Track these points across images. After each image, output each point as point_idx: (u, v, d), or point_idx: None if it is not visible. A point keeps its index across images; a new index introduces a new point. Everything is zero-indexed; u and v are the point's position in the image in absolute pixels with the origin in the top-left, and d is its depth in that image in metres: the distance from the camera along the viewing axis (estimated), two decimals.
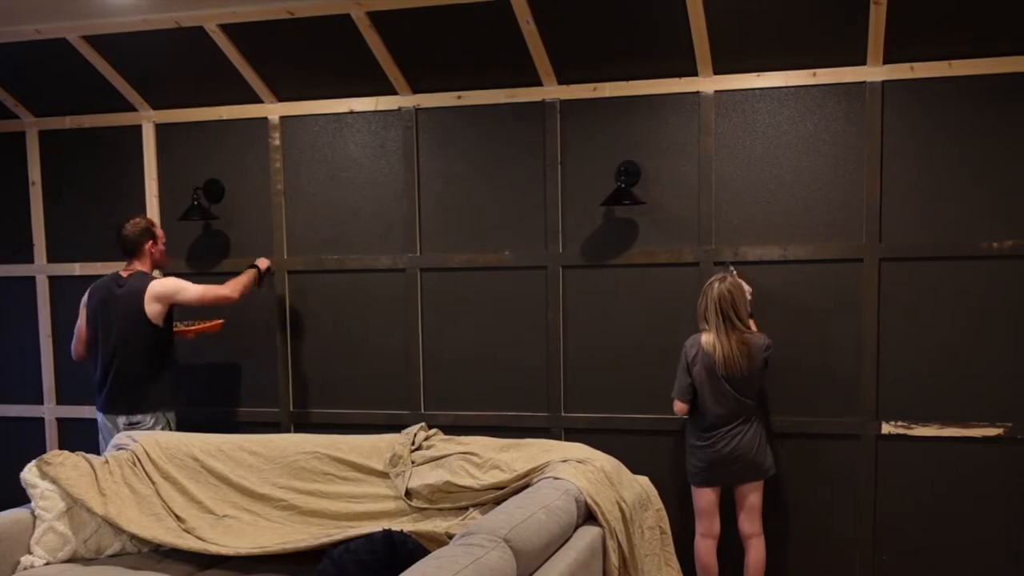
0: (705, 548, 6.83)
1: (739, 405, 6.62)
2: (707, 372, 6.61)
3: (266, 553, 5.68)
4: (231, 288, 7.40)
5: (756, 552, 6.85)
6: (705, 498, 6.78)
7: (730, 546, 7.02)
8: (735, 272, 6.90)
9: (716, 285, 6.63)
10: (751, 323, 6.81)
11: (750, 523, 6.84)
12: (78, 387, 8.56)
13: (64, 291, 8.59)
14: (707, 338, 6.63)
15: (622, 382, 7.39)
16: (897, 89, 6.90)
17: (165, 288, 7.21)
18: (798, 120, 7.05)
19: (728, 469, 6.69)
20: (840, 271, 7.05)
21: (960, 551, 7.02)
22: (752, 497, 6.81)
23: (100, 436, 7.46)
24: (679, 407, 6.78)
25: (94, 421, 7.62)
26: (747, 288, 6.87)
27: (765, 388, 6.95)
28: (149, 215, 8.23)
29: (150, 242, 7.37)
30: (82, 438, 8.07)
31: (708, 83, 7.15)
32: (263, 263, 7.81)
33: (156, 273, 7.45)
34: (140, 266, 7.34)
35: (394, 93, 7.70)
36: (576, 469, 5.62)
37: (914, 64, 6.82)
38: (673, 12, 6.63)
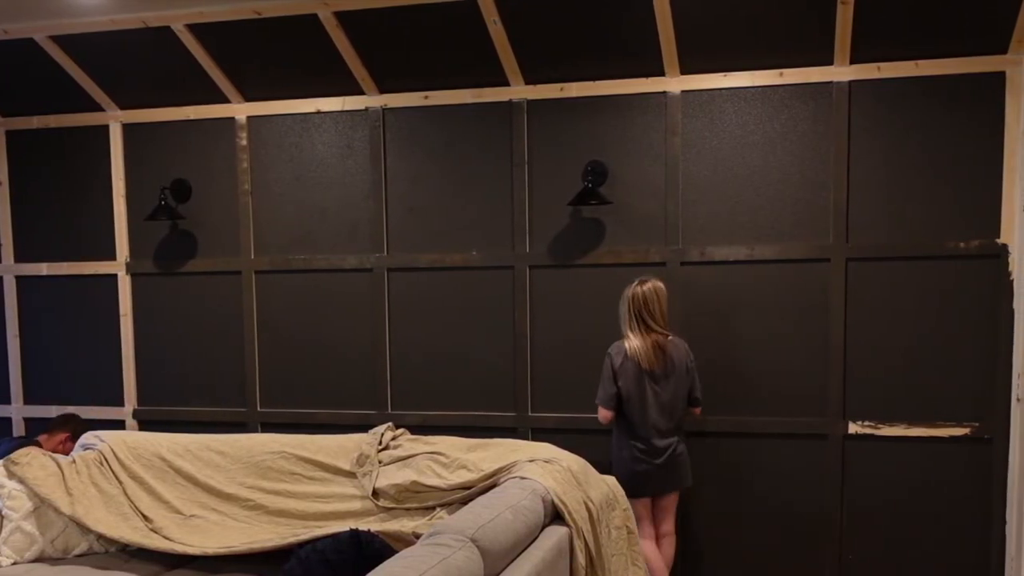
0: (650, 549, 6.89)
1: (669, 410, 6.77)
2: (635, 378, 6.73)
3: (233, 553, 5.73)
4: None
5: (671, 547, 7.04)
6: (641, 505, 6.84)
7: (698, 541, 7.08)
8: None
9: (632, 287, 6.76)
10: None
11: (667, 524, 7.02)
12: (46, 387, 8.62)
13: (31, 291, 8.66)
14: (629, 344, 6.77)
15: (589, 382, 7.37)
16: (864, 89, 7.00)
17: None
18: (765, 120, 7.16)
19: (663, 478, 6.82)
20: (807, 271, 7.15)
21: (926, 550, 7.14)
22: (673, 502, 6.98)
23: None
24: (604, 415, 6.86)
25: None
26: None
27: (697, 395, 7.01)
28: (116, 215, 8.36)
29: (66, 435, 7.66)
30: None
31: (675, 83, 7.25)
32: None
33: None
34: (45, 442, 7.54)
35: (361, 93, 7.79)
36: (543, 469, 5.64)
37: (881, 64, 6.94)
38: (640, 12, 6.73)
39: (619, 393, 6.74)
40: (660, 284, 6.77)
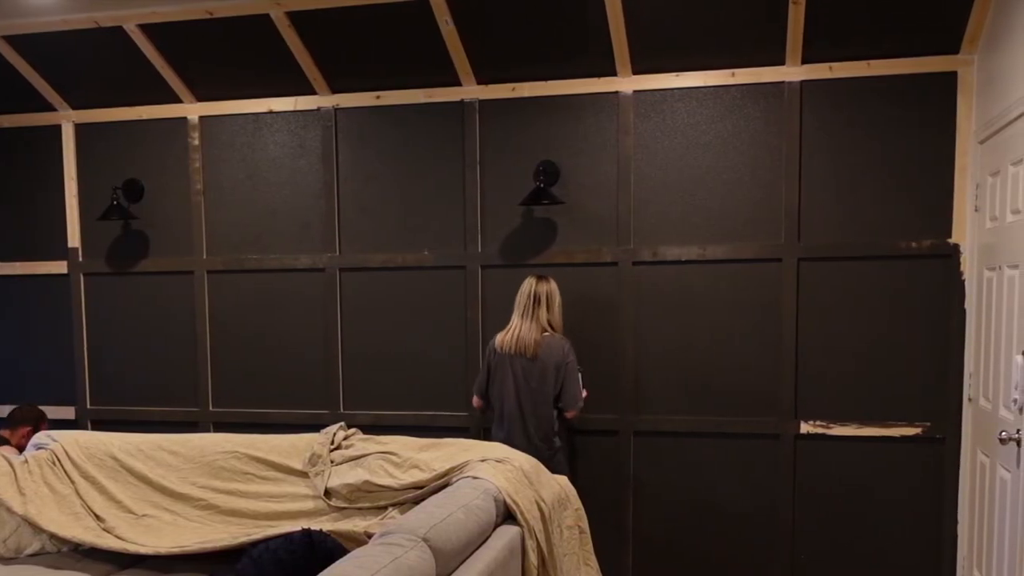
0: None
1: (530, 395, 6.98)
2: (498, 361, 7.07)
3: (185, 552, 5.77)
4: None
5: None
6: None
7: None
8: None
9: (530, 281, 7.04)
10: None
11: None
12: None
13: None
14: (501, 335, 7.08)
15: None
16: (816, 89, 7.15)
17: None
18: (717, 120, 7.31)
19: None
20: (759, 271, 7.30)
21: (878, 549, 7.29)
22: None
23: None
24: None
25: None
26: None
27: (570, 402, 7.11)
28: (68, 215, 8.49)
29: (29, 428, 7.64)
30: None
31: (627, 83, 7.40)
32: None
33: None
34: (10, 436, 7.58)
35: (313, 93, 7.93)
36: (495, 468, 5.70)
37: (833, 64, 7.08)
38: (592, 12, 6.87)
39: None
40: (552, 287, 7.06)
